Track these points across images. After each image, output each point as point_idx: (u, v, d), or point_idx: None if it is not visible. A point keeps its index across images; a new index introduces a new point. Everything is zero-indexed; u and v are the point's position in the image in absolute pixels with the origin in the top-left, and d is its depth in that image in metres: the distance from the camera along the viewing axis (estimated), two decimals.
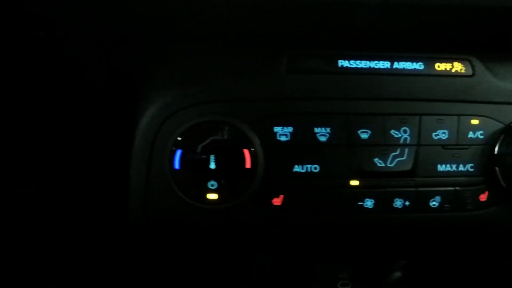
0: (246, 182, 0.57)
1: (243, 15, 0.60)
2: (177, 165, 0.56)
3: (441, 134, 0.64)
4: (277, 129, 0.61)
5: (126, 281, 0.79)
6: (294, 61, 0.62)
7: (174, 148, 0.57)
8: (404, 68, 0.64)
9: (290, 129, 0.62)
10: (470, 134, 0.64)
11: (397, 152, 0.63)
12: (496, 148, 0.64)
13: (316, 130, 0.62)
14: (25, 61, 0.59)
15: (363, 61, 0.63)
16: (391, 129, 0.63)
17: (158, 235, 0.62)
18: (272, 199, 0.61)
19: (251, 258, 0.80)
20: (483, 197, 0.64)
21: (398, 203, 0.62)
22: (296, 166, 0.61)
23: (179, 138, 0.57)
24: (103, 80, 0.62)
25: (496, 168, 0.64)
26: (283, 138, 0.61)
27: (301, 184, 0.61)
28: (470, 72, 0.65)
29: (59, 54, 0.59)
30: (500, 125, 0.65)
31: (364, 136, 0.62)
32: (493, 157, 0.64)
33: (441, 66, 0.65)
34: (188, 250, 0.69)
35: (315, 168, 0.61)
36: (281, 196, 0.61)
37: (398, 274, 0.94)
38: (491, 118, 0.65)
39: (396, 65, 0.64)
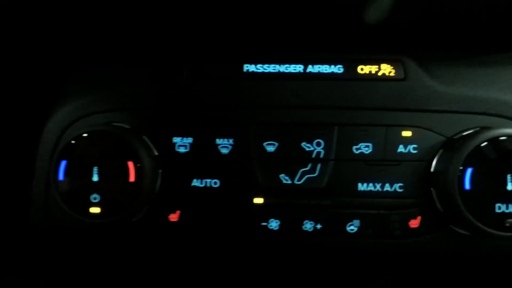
0: (131, 197, 0.53)
1: (144, 22, 0.56)
2: (61, 176, 0.54)
3: (364, 148, 0.55)
4: (176, 139, 0.57)
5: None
6: (196, 66, 0.58)
7: (59, 159, 0.55)
8: (319, 72, 0.56)
9: (190, 139, 0.57)
10: (401, 148, 0.55)
11: (308, 168, 0.55)
12: (433, 165, 0.54)
13: (218, 141, 0.56)
14: None
15: (271, 65, 0.57)
16: (302, 141, 0.55)
17: (58, 243, 0.61)
18: (168, 214, 0.57)
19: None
20: (414, 223, 0.54)
21: (308, 225, 0.55)
22: (194, 180, 0.56)
23: (64, 149, 0.54)
24: (15, 87, 0.63)
25: (432, 189, 0.53)
26: (182, 150, 0.57)
27: (200, 200, 0.56)
28: (401, 75, 0.56)
29: None
30: (440, 138, 0.55)
31: (270, 148, 0.56)
32: (429, 175, 0.54)
33: (364, 69, 0.56)
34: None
35: (215, 183, 0.56)
36: (178, 212, 0.56)
37: None
38: (427, 129, 0.55)
39: (310, 68, 0.56)
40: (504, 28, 0.53)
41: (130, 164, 0.53)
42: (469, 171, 0.50)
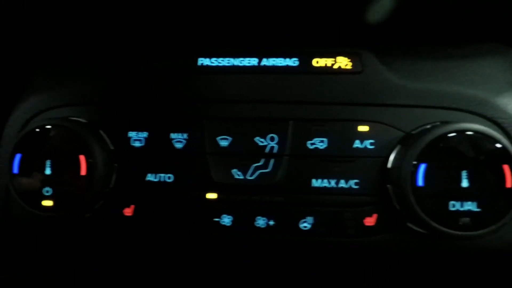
0: (83, 191, 0.53)
1: (99, 18, 0.56)
2: (15, 169, 0.55)
3: (319, 143, 0.53)
4: (132, 134, 0.57)
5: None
6: (151, 61, 0.57)
7: (14, 152, 0.55)
8: (274, 65, 0.55)
9: (145, 134, 0.57)
10: (357, 144, 0.53)
11: (260, 163, 0.54)
12: (390, 161, 0.52)
13: (172, 135, 0.56)
14: None
15: (226, 58, 0.56)
16: (255, 136, 0.54)
17: (18, 238, 0.61)
18: (123, 209, 0.56)
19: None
20: (369, 221, 0.52)
21: (260, 221, 0.54)
22: (149, 175, 0.56)
23: (19, 142, 0.55)
24: None
25: (388, 185, 0.51)
26: (137, 144, 0.57)
27: (154, 194, 0.56)
28: (358, 68, 0.54)
29: None
30: (398, 133, 0.52)
31: (224, 143, 0.55)
32: (386, 172, 0.52)
33: (320, 62, 0.54)
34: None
35: (169, 178, 0.56)
36: (132, 207, 0.56)
37: None
38: (385, 124, 0.53)
39: (265, 61, 0.55)
40: (464, 22, 0.50)
41: (82, 158, 0.53)
42: (422, 166, 0.47)
